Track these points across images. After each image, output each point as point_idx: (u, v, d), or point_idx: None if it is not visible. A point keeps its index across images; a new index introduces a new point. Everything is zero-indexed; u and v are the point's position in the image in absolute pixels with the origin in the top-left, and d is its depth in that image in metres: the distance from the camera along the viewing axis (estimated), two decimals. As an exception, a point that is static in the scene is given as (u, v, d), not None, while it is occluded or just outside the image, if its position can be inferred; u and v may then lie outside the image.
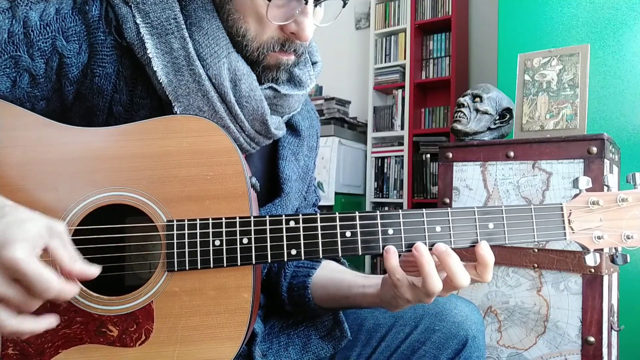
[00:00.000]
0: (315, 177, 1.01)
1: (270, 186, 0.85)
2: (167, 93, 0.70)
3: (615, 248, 0.70)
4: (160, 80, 0.69)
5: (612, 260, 0.70)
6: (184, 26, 0.70)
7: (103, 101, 0.71)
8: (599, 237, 0.69)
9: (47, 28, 0.68)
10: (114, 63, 0.70)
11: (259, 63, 0.74)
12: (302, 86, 0.82)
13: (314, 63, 0.86)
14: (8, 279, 0.50)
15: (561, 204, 0.69)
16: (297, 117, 0.88)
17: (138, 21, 0.69)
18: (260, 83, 0.76)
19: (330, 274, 0.84)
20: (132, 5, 0.70)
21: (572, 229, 0.69)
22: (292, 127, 0.88)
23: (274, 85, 0.77)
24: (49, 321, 0.56)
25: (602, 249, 0.70)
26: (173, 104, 0.70)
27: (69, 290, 0.53)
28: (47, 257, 0.54)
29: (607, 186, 0.71)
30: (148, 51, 0.69)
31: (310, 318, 0.85)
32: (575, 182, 0.70)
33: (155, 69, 0.69)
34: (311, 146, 0.93)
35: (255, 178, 0.71)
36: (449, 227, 0.68)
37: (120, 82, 0.71)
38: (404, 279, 0.66)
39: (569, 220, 0.69)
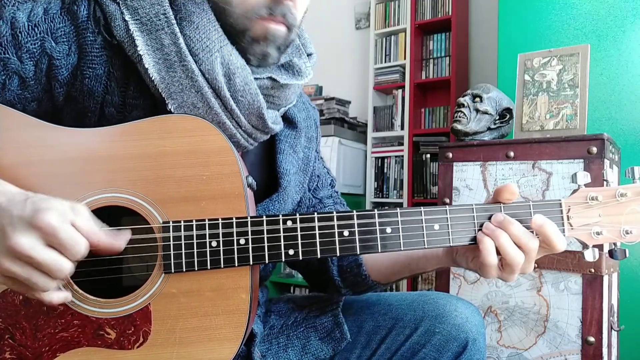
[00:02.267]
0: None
1: (268, 181, 0.85)
2: (160, 90, 0.69)
3: (614, 243, 0.70)
4: (153, 78, 0.68)
5: (611, 255, 0.70)
6: (174, 21, 0.68)
7: (94, 103, 0.70)
8: (597, 233, 0.68)
9: (36, 29, 0.66)
10: (104, 64, 0.69)
11: (245, 32, 0.71)
12: (301, 75, 0.81)
13: (309, 55, 0.86)
14: (44, 244, 0.54)
15: (560, 200, 0.69)
16: (292, 109, 0.88)
17: (127, 18, 0.68)
18: (249, 62, 0.73)
19: None
20: (120, 2, 0.69)
21: (571, 225, 0.68)
22: (288, 120, 0.88)
23: (273, 75, 0.76)
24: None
25: (601, 245, 0.69)
26: (167, 101, 0.69)
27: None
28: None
29: (606, 181, 0.70)
30: (138, 48, 0.67)
31: (310, 319, 0.84)
32: (573, 178, 0.69)
33: (146, 66, 0.67)
34: (310, 136, 0.92)
35: (252, 177, 0.70)
36: (448, 225, 0.67)
37: (112, 83, 0.70)
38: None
39: (567, 216, 0.69)
